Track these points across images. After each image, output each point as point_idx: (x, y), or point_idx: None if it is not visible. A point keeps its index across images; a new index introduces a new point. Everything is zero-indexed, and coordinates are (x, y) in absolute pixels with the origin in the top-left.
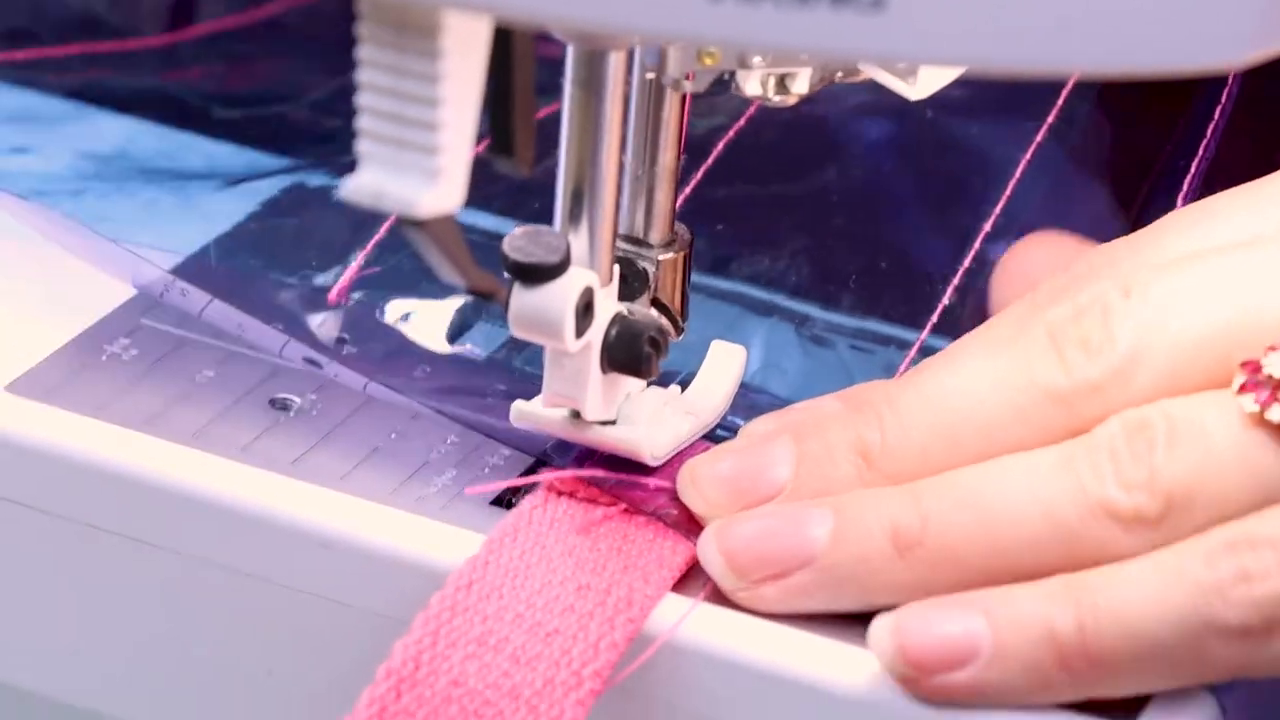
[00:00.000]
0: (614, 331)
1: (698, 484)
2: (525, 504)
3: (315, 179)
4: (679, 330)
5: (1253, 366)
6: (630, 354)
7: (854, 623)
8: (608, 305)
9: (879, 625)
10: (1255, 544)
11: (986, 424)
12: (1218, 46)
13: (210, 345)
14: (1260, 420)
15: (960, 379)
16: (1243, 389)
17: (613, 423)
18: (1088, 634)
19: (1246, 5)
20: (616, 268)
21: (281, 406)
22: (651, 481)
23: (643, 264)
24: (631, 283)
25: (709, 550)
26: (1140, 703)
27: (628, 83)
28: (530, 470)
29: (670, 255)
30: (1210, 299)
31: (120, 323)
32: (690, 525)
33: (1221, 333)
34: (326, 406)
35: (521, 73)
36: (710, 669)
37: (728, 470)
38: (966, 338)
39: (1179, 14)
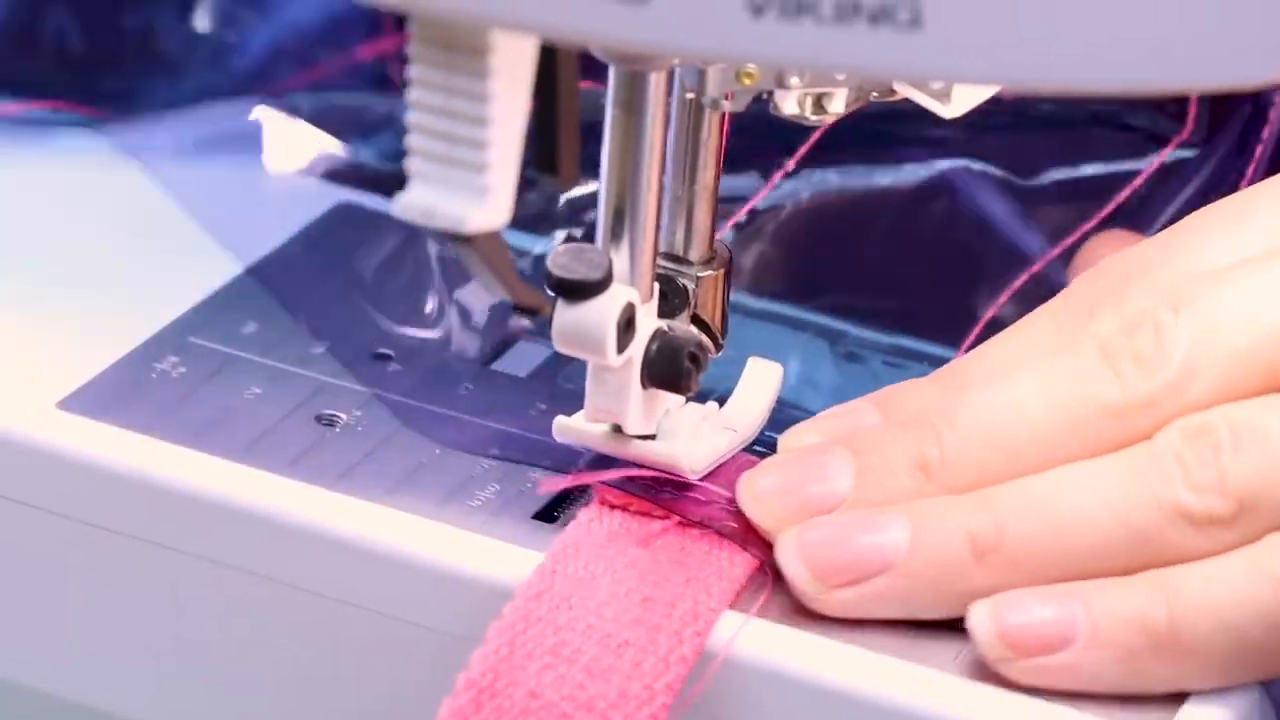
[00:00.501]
0: (654, 347)
1: (760, 499)
2: (582, 516)
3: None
4: (718, 346)
5: None
6: (671, 369)
7: (912, 637)
8: (648, 321)
9: (979, 608)
10: None
11: (1042, 439)
12: (1242, 64)
13: (257, 363)
14: None
15: (1013, 394)
16: None
17: (653, 437)
18: (1179, 625)
19: (1270, 25)
20: (657, 285)
21: (328, 423)
22: (703, 493)
23: (683, 281)
24: (672, 300)
25: (789, 555)
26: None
27: (668, 103)
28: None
29: (710, 272)
30: (1258, 309)
31: (169, 341)
32: (748, 536)
33: (1271, 341)
34: (371, 423)
35: (566, 92)
36: (764, 684)
37: (789, 483)
38: (1005, 343)
39: (1206, 32)
